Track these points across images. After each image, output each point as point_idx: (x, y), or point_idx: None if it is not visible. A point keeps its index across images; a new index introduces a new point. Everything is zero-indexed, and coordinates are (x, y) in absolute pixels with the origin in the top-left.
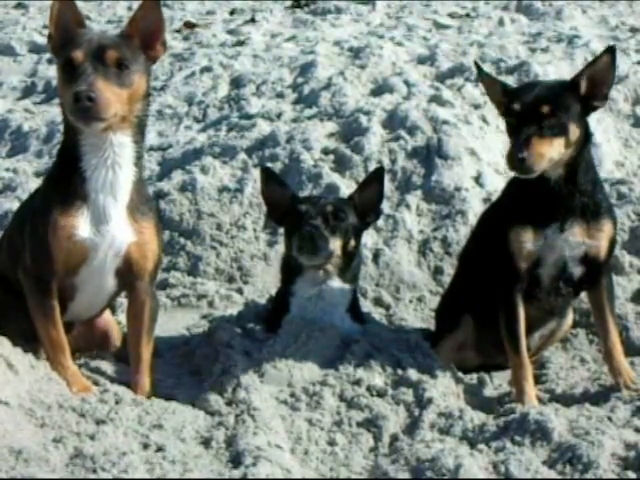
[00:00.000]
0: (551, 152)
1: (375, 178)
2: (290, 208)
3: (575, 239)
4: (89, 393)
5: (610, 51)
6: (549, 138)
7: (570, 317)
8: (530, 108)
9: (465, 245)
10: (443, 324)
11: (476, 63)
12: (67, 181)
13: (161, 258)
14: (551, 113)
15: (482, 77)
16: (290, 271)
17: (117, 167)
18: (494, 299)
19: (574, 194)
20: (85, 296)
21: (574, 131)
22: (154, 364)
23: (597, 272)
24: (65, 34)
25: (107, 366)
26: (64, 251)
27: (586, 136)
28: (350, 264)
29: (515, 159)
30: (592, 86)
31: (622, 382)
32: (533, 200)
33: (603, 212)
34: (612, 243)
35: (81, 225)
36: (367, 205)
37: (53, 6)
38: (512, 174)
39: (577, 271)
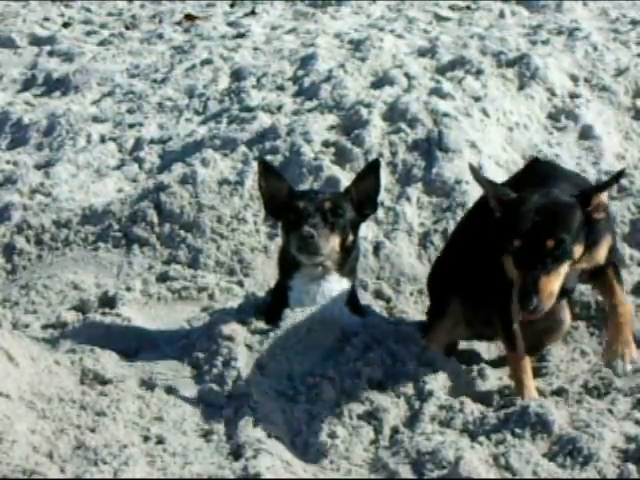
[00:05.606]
0: (560, 282)
1: (371, 170)
2: (287, 202)
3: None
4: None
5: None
6: (555, 270)
7: (567, 317)
8: (533, 244)
9: (455, 229)
10: (434, 308)
11: (471, 165)
12: None
13: None
14: (556, 245)
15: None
16: (288, 266)
17: None
18: (482, 281)
19: None
20: None
21: (578, 250)
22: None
23: (600, 270)
24: None
25: (108, 359)
26: None
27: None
28: (348, 258)
29: (527, 307)
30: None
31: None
32: None
33: (602, 236)
34: (611, 250)
35: None
36: (364, 198)
37: None
38: (512, 170)
39: (573, 284)
